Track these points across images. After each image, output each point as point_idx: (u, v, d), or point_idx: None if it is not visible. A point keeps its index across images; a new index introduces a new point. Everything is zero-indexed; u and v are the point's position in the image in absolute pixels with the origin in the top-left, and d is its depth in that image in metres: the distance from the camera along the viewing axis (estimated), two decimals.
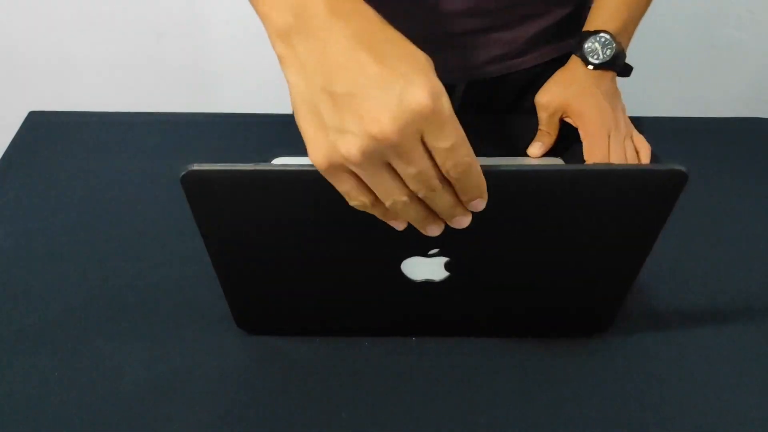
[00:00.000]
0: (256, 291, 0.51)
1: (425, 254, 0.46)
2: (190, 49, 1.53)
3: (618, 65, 0.70)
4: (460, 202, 0.39)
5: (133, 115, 0.78)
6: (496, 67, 0.77)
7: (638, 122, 0.75)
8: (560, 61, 0.80)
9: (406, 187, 0.37)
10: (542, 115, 0.71)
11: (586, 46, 0.69)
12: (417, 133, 0.35)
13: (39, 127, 0.76)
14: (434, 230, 0.41)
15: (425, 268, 0.48)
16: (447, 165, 0.36)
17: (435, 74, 0.36)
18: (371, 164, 0.36)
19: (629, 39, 0.72)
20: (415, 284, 0.49)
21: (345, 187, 0.38)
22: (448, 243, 0.45)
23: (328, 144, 0.36)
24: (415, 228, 0.42)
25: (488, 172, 0.39)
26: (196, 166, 0.40)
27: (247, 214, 0.44)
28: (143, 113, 0.78)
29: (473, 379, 0.52)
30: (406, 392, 0.51)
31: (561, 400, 0.51)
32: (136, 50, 1.53)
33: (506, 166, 0.40)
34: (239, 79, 1.58)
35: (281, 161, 0.68)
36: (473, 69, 0.77)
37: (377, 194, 0.38)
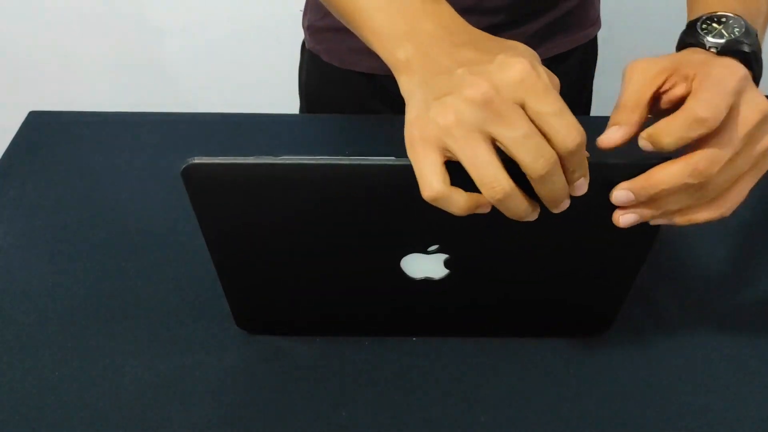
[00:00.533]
0: (256, 289, 0.51)
1: (425, 251, 0.46)
2: (191, 48, 1.53)
3: (753, 56, 0.45)
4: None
5: (133, 115, 0.78)
6: None
7: None
8: (565, 57, 0.79)
9: (505, 170, 0.36)
10: (633, 81, 0.42)
11: (702, 26, 0.47)
12: (516, 98, 0.35)
13: (39, 127, 0.76)
14: (534, 215, 0.39)
15: (425, 266, 0.47)
16: (562, 132, 0.35)
17: (538, 61, 0.37)
18: (466, 130, 0.35)
19: (761, 36, 0.48)
20: (414, 282, 0.48)
21: (424, 163, 0.37)
22: (447, 239, 0.45)
23: (426, 117, 0.37)
24: (413, 225, 0.41)
25: None
26: (196, 160, 0.40)
27: (246, 208, 0.43)
28: (143, 113, 0.78)
29: (473, 379, 0.52)
30: (406, 392, 0.51)
31: (561, 400, 0.51)
32: (136, 50, 1.53)
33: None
34: (239, 79, 1.58)
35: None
36: None
37: (472, 172, 0.36)
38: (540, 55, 0.81)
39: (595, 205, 0.41)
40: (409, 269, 0.48)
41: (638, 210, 0.41)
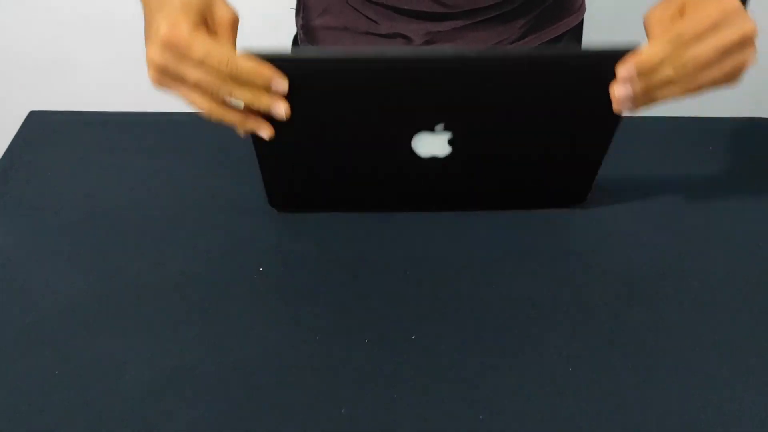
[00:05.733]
0: (291, 167, 0.61)
1: (432, 129, 0.57)
2: None
3: None
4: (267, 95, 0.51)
5: (133, 115, 0.78)
6: None
7: (639, 122, 0.74)
8: (554, 42, 0.81)
9: (207, 95, 0.51)
10: (656, 33, 0.53)
11: None
12: (176, 55, 0.49)
13: (39, 127, 0.76)
14: (261, 129, 0.54)
15: (432, 145, 0.58)
16: (217, 70, 0.49)
17: (184, 15, 0.49)
18: (164, 76, 0.51)
19: None
20: (423, 160, 0.59)
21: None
22: (450, 119, 0.56)
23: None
24: (423, 106, 0.55)
25: (459, 58, 0.53)
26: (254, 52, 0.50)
27: (291, 99, 0.53)
28: (143, 113, 0.78)
29: (472, 378, 0.52)
30: (406, 390, 0.52)
31: (560, 400, 0.51)
32: (136, 50, 1.53)
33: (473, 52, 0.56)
34: None
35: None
36: None
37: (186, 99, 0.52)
38: (531, 41, 0.88)
39: (556, 86, 0.54)
40: (418, 149, 0.58)
41: (633, 99, 0.53)
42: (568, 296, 0.58)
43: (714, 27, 0.50)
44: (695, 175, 0.70)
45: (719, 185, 0.69)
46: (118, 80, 1.58)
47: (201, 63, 0.49)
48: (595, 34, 0.96)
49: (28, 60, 1.56)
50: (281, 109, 0.52)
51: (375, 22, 0.75)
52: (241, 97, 0.51)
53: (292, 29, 0.86)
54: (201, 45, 0.49)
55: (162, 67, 0.50)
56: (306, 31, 0.82)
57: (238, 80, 0.50)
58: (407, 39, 0.76)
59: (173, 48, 0.49)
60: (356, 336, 0.55)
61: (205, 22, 0.52)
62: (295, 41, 0.86)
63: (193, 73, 0.50)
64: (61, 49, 1.54)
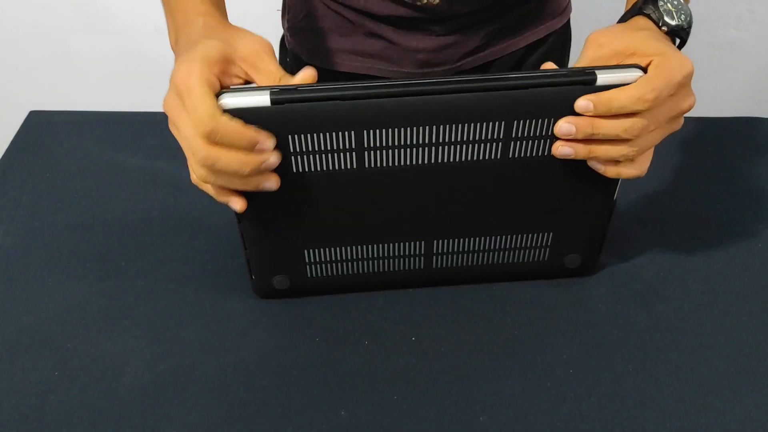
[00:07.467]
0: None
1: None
2: None
3: (684, 39, 0.55)
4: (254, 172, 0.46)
5: (133, 115, 0.78)
6: (477, 57, 0.78)
7: None
8: (540, 43, 0.80)
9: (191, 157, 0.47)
10: (589, 55, 0.51)
11: (660, 4, 0.54)
12: (178, 103, 0.46)
13: (39, 127, 0.76)
14: (233, 202, 0.48)
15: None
16: (200, 123, 0.44)
17: (203, 62, 0.46)
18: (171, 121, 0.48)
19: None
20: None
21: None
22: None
23: None
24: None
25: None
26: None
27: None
28: (143, 113, 0.78)
29: (472, 379, 0.52)
30: (406, 392, 0.52)
31: (560, 401, 0.51)
32: (136, 50, 1.53)
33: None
34: None
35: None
36: (453, 63, 0.77)
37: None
38: (516, 43, 0.86)
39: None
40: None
41: (574, 145, 0.49)
42: (568, 297, 0.58)
43: (678, 88, 0.48)
44: (695, 175, 0.70)
45: (719, 185, 0.69)
46: (118, 80, 1.58)
47: (192, 116, 0.45)
48: (585, 36, 0.96)
49: (28, 60, 1.56)
50: (272, 183, 0.47)
51: (356, 24, 0.75)
52: (226, 166, 0.45)
53: (279, 30, 0.86)
54: (198, 98, 0.45)
55: (168, 108, 0.47)
56: (292, 33, 0.82)
57: (221, 141, 0.45)
58: (388, 42, 0.75)
59: (180, 96, 0.46)
60: (356, 337, 0.55)
61: (230, 63, 0.48)
62: (282, 42, 0.86)
63: (182, 128, 0.46)
64: (61, 49, 1.54)
